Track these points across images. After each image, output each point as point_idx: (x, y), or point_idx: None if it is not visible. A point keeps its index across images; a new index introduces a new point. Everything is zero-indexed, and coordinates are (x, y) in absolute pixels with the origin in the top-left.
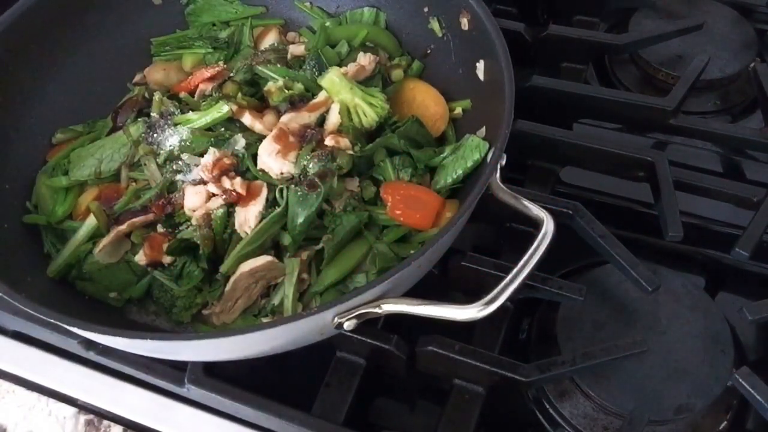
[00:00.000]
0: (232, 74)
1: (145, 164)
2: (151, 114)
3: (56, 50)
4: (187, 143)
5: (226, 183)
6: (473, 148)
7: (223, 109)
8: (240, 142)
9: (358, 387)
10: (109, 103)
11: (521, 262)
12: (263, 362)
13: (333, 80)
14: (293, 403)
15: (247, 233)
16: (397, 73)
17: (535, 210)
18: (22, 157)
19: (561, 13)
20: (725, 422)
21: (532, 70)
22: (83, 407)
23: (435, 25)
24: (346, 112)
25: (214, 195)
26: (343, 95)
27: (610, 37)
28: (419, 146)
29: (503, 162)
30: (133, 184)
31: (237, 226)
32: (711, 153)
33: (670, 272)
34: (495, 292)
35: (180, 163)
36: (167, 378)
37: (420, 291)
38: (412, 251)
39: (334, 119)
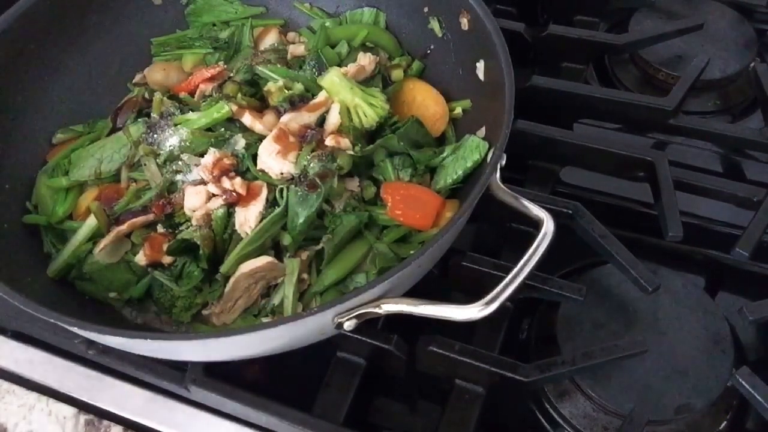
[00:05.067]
0: (232, 74)
1: (145, 164)
2: (152, 114)
3: (56, 50)
4: (187, 143)
5: (226, 183)
6: (473, 149)
7: (223, 109)
8: (240, 143)
9: (358, 387)
10: (109, 103)
11: (521, 262)
12: (263, 362)
13: (333, 80)
14: (293, 403)
15: (247, 233)
16: (397, 73)
17: (535, 210)
18: (22, 157)
19: (561, 13)
20: (725, 422)
21: (532, 70)
22: (83, 407)
23: (435, 25)
24: (346, 112)
25: (214, 195)
26: (343, 95)
27: (610, 37)
28: (419, 146)
29: (503, 162)
30: (134, 184)
31: (237, 227)
32: (711, 153)
33: (670, 272)
34: (495, 292)
35: (180, 163)
36: (167, 378)
37: (420, 291)
38: (412, 251)
39: (334, 119)
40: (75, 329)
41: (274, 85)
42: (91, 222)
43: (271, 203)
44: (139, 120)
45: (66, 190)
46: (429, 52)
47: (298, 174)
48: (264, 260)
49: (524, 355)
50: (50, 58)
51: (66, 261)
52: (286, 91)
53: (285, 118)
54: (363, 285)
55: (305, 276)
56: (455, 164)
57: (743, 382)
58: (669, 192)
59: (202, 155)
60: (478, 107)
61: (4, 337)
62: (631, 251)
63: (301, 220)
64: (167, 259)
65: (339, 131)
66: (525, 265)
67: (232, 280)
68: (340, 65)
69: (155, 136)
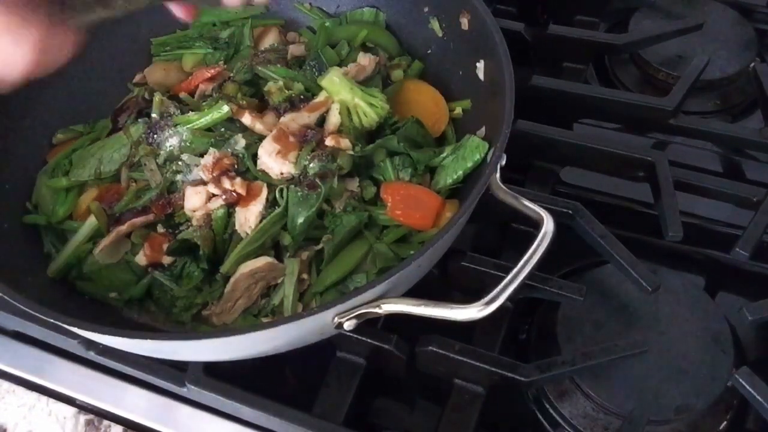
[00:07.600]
0: (232, 74)
1: (145, 164)
2: (152, 114)
3: None
4: (187, 143)
5: (226, 183)
6: (473, 149)
7: (223, 109)
8: (240, 143)
9: (358, 387)
10: (109, 103)
11: (521, 262)
12: (263, 362)
13: (333, 80)
14: (293, 403)
15: (247, 233)
16: (397, 73)
17: (535, 210)
18: (22, 157)
19: (561, 13)
20: (725, 422)
21: (532, 70)
22: (83, 407)
23: (435, 25)
24: (346, 112)
25: (214, 195)
26: (343, 95)
27: (610, 37)
28: (419, 147)
29: (503, 162)
30: (134, 184)
31: (237, 227)
32: (711, 153)
33: (670, 272)
34: (495, 292)
35: (180, 163)
36: (167, 378)
37: (420, 291)
38: (412, 251)
39: (334, 119)
40: (75, 329)
41: (274, 85)
42: (91, 222)
43: (271, 203)
44: (139, 120)
45: (66, 190)
46: (429, 52)
47: (298, 174)
48: (264, 261)
49: (524, 355)
50: None
51: (66, 261)
52: (286, 91)
53: (285, 118)
54: (363, 285)
55: (305, 276)
56: (455, 164)
57: (743, 382)
58: (669, 192)
59: (202, 155)
60: (478, 107)
61: (4, 337)
62: (631, 251)
63: (301, 220)
64: (167, 259)
65: (339, 131)
66: (525, 265)
67: (232, 280)
68: (340, 65)
69: (155, 136)
